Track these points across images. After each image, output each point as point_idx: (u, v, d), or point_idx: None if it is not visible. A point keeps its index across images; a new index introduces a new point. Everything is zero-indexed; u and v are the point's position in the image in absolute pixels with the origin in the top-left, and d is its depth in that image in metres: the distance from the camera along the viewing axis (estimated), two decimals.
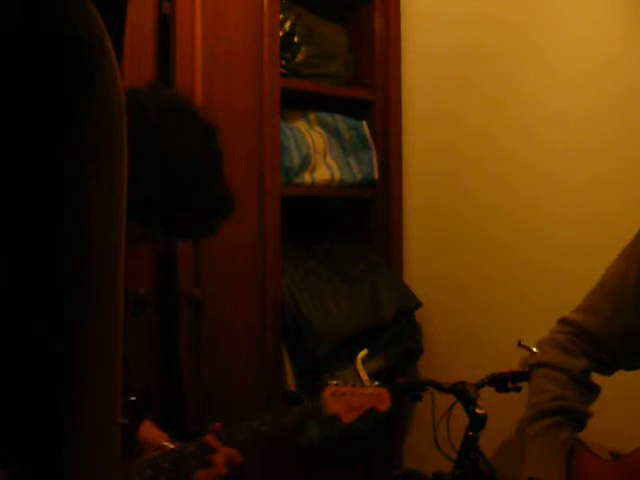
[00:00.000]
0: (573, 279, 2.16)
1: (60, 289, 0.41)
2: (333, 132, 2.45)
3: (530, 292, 2.26)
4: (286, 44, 2.25)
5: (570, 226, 2.17)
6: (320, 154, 2.36)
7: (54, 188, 0.41)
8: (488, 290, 2.36)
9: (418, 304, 2.47)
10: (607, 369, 1.59)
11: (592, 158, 2.13)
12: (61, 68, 0.41)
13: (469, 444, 1.90)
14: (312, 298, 2.18)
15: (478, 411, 1.87)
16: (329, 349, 2.14)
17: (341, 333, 2.18)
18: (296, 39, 2.29)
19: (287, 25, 2.27)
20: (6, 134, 0.39)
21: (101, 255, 0.44)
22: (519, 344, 2.20)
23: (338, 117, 2.46)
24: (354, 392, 1.66)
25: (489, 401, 1.97)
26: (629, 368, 1.60)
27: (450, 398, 1.96)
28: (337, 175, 2.40)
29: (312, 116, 2.42)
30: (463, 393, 1.91)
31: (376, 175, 2.54)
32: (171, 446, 1.51)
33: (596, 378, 1.62)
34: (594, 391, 1.60)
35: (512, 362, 2.21)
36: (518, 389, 2.04)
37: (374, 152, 2.53)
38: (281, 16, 2.21)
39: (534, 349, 2.15)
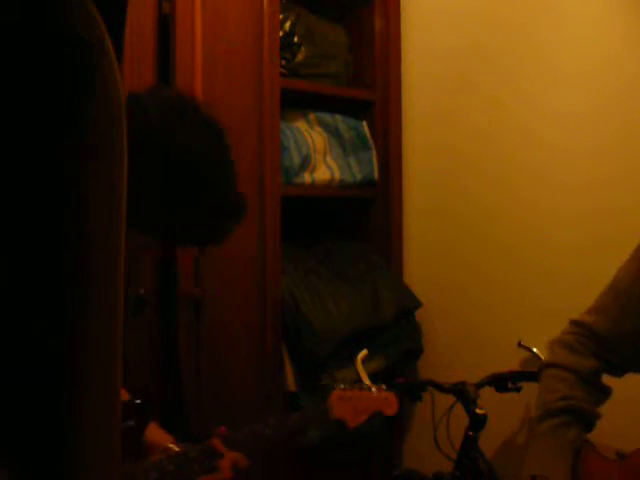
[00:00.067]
0: (573, 279, 2.16)
1: (60, 289, 0.41)
2: (333, 132, 2.45)
3: (530, 292, 2.26)
4: (286, 44, 2.25)
5: (570, 226, 2.17)
6: (320, 154, 2.36)
7: (54, 188, 0.41)
8: (488, 290, 2.37)
9: (418, 304, 2.47)
10: (617, 370, 1.59)
11: (592, 158, 2.13)
12: (61, 68, 0.41)
13: (469, 444, 1.90)
14: (312, 298, 2.18)
15: (478, 411, 1.87)
16: (329, 349, 2.14)
17: (341, 333, 2.18)
18: (296, 39, 2.29)
19: (287, 25, 2.27)
20: (6, 134, 0.39)
21: (101, 255, 0.44)
22: (519, 344, 2.20)
23: (338, 117, 2.46)
24: (361, 396, 1.65)
25: (489, 401, 1.97)
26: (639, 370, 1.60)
27: (450, 398, 1.96)
28: (337, 175, 2.40)
29: (312, 116, 2.42)
30: (463, 393, 1.91)
31: (376, 175, 2.54)
32: (176, 449, 1.51)
33: (605, 379, 1.62)
34: (604, 392, 1.59)
35: (512, 362, 2.21)
36: (518, 389, 2.04)
37: (374, 152, 2.53)
38: (281, 16, 2.21)
39: (534, 349, 2.16)
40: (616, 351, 1.56)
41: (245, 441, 1.53)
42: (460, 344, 2.42)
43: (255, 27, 2.08)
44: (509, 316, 2.30)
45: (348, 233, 2.61)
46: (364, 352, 1.99)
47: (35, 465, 0.41)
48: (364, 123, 2.54)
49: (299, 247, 2.38)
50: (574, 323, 1.63)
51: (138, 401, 1.53)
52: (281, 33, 2.21)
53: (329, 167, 2.39)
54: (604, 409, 1.59)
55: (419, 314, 2.49)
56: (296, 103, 2.36)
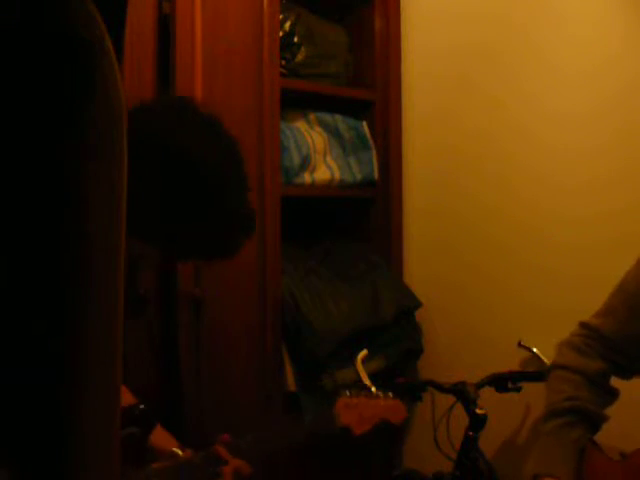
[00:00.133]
0: (573, 279, 2.16)
1: (60, 289, 0.41)
2: (333, 132, 2.45)
3: (530, 292, 2.26)
4: (286, 44, 2.25)
5: (570, 226, 2.17)
6: (320, 154, 2.36)
7: (54, 188, 0.41)
8: (488, 290, 2.37)
9: (418, 304, 2.47)
10: (625, 372, 1.59)
11: (592, 158, 2.13)
12: (61, 68, 0.41)
13: (469, 444, 1.90)
14: (312, 298, 2.18)
15: (478, 411, 1.87)
16: (329, 349, 2.14)
17: (341, 333, 2.18)
18: (296, 39, 2.29)
19: (287, 25, 2.27)
20: (6, 134, 0.39)
21: (101, 255, 0.44)
22: (519, 344, 2.20)
23: (338, 117, 2.46)
24: (367, 404, 1.64)
25: (489, 401, 1.97)
26: None
27: (450, 398, 1.96)
28: (337, 175, 2.40)
29: (312, 116, 2.42)
30: (463, 393, 1.91)
31: (376, 175, 2.54)
32: (180, 453, 1.51)
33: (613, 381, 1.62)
34: (611, 394, 1.59)
35: (512, 362, 2.21)
36: (518, 389, 2.04)
37: (374, 152, 2.53)
38: (281, 16, 2.21)
39: (534, 349, 2.16)
40: (623, 353, 1.57)
41: (249, 448, 1.52)
42: (460, 344, 2.42)
43: (255, 27, 2.08)
44: (509, 316, 2.30)
45: (348, 233, 2.61)
46: (364, 352, 1.99)
47: (35, 465, 0.41)
48: (364, 123, 2.53)
49: (299, 247, 2.38)
50: (582, 325, 1.64)
51: (142, 406, 1.53)
52: (281, 33, 2.21)
53: (329, 167, 2.39)
54: (611, 411, 1.59)
55: (419, 314, 2.49)
56: (296, 103, 2.36)
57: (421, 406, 2.31)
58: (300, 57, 2.30)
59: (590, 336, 1.60)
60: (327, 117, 2.44)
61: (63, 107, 0.41)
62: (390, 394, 1.67)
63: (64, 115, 0.41)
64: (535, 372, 2.08)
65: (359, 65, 2.57)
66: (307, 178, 2.31)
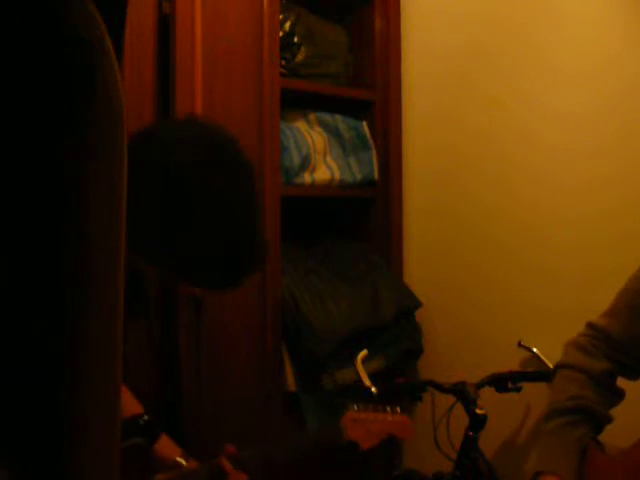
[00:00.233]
0: (573, 279, 2.16)
1: (60, 289, 0.41)
2: (333, 132, 2.45)
3: (530, 292, 2.26)
4: (286, 44, 2.25)
5: (570, 226, 2.17)
6: (320, 154, 2.36)
7: (54, 188, 0.41)
8: (488, 290, 2.37)
9: (418, 304, 2.47)
10: (632, 373, 1.59)
11: (592, 158, 2.13)
12: (61, 68, 0.41)
13: (469, 444, 1.90)
14: (312, 298, 2.18)
15: (478, 411, 1.87)
16: (329, 349, 2.14)
17: (341, 333, 2.18)
18: (296, 39, 2.29)
19: (287, 25, 2.27)
20: (6, 134, 0.39)
21: (101, 255, 0.44)
22: (519, 344, 2.20)
23: (338, 117, 2.46)
24: (375, 419, 1.63)
25: (489, 401, 1.97)
26: None
27: (450, 398, 1.96)
28: (337, 175, 2.40)
29: (312, 116, 2.41)
30: (463, 393, 1.91)
31: (376, 175, 2.54)
32: (184, 462, 1.51)
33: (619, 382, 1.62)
34: (617, 394, 1.59)
35: (512, 362, 2.21)
36: (518, 389, 2.04)
37: (374, 152, 2.53)
38: (281, 16, 2.21)
39: (534, 349, 2.16)
40: (629, 354, 1.57)
41: (254, 462, 1.52)
42: (460, 344, 2.42)
43: (255, 27, 2.08)
44: (509, 316, 2.30)
45: (348, 233, 2.61)
46: (364, 352, 1.99)
47: (35, 465, 0.41)
48: (364, 123, 2.53)
49: (299, 247, 2.38)
50: (589, 325, 1.64)
51: (147, 417, 1.53)
52: (281, 33, 2.21)
53: (329, 167, 2.39)
54: (617, 411, 1.59)
55: (419, 314, 2.49)
56: (296, 103, 2.36)
57: (421, 406, 2.31)
58: (300, 57, 2.30)
59: (596, 336, 1.60)
60: (327, 117, 2.44)
61: (63, 107, 0.41)
62: (398, 409, 1.66)
63: (64, 115, 0.41)
64: (535, 372, 2.08)
65: (359, 65, 2.57)
66: (307, 178, 2.31)
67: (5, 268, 0.40)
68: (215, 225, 1.22)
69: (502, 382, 2.03)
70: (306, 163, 2.29)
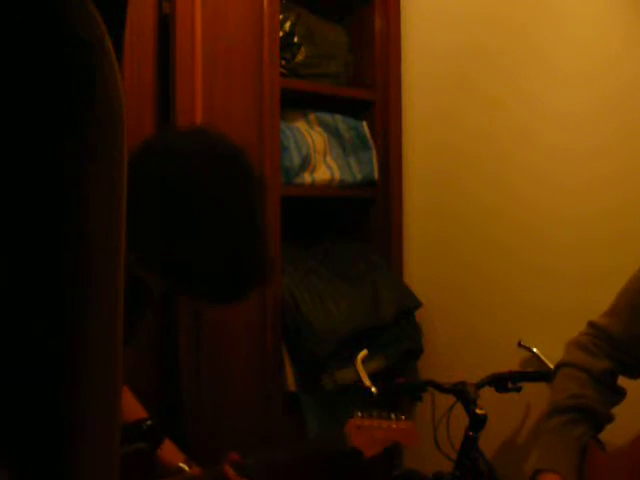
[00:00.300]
0: (573, 279, 2.16)
1: (60, 289, 0.41)
2: (333, 132, 2.45)
3: (530, 292, 2.26)
4: (286, 44, 2.25)
5: (570, 226, 2.17)
6: (320, 154, 2.36)
7: (54, 188, 0.41)
8: (488, 290, 2.37)
9: (418, 304, 2.47)
10: (633, 372, 1.60)
11: (592, 158, 2.13)
12: (61, 68, 0.41)
13: (469, 444, 1.90)
14: (312, 298, 2.18)
15: (478, 411, 1.87)
16: (329, 349, 2.14)
17: (341, 333, 2.18)
18: (296, 39, 2.29)
19: (287, 25, 2.27)
20: (6, 134, 0.39)
21: (101, 255, 0.44)
22: (519, 344, 2.20)
23: (338, 117, 2.46)
24: (379, 426, 1.62)
25: (489, 401, 1.97)
26: None
27: (450, 398, 1.96)
28: (337, 175, 2.40)
29: (312, 116, 2.41)
30: (463, 393, 1.91)
31: (376, 175, 2.54)
32: (187, 468, 1.51)
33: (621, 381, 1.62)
34: (618, 393, 1.60)
35: (512, 362, 2.21)
36: (518, 389, 2.04)
37: (374, 152, 2.53)
38: (281, 16, 2.21)
39: (534, 349, 2.16)
40: (630, 352, 1.57)
41: (257, 469, 1.51)
42: (460, 344, 2.42)
43: (255, 27, 2.08)
44: (509, 316, 2.30)
45: (348, 233, 2.61)
46: (364, 352, 1.99)
47: (35, 465, 0.41)
48: (364, 123, 2.53)
49: (299, 247, 2.38)
50: (590, 325, 1.64)
51: (150, 422, 1.53)
52: (281, 33, 2.21)
53: (329, 167, 2.39)
54: (618, 410, 1.59)
55: (419, 314, 2.49)
56: (296, 103, 2.36)
57: (421, 406, 2.31)
58: (300, 57, 2.30)
59: (597, 335, 1.61)
60: (327, 117, 2.44)
61: (63, 107, 0.41)
62: (403, 417, 1.65)
63: (64, 115, 0.41)
64: (535, 372, 2.08)
65: (359, 65, 2.57)
66: (307, 178, 2.31)
67: (5, 268, 0.40)
68: (220, 238, 1.22)
69: (502, 382, 2.03)
70: (306, 163, 2.29)
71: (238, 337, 2.07)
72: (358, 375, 1.93)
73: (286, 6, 2.28)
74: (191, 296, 1.36)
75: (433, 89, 2.50)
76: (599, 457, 1.54)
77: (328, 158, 2.40)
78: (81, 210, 0.42)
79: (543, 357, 2.10)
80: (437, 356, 2.47)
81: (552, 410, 1.57)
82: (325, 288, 2.25)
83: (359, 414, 1.64)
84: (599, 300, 1.67)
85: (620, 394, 1.60)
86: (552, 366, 1.97)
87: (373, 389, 1.89)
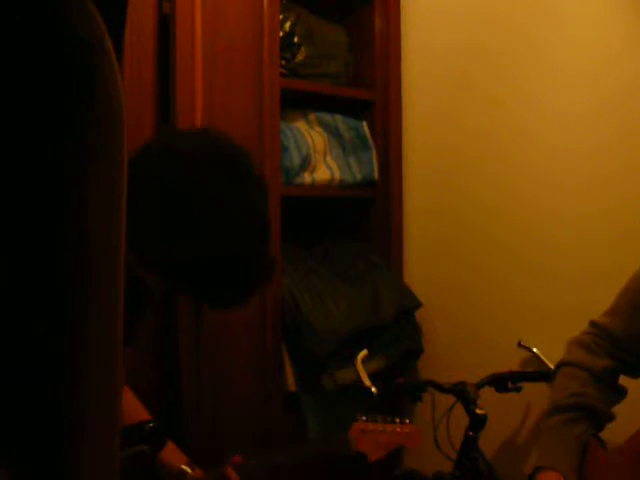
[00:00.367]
0: (573, 279, 2.16)
1: (60, 289, 0.41)
2: (333, 132, 2.45)
3: (530, 292, 2.26)
4: (286, 44, 2.25)
5: (570, 226, 2.17)
6: (320, 154, 2.36)
7: (54, 188, 0.41)
8: (488, 290, 2.37)
9: (418, 304, 2.47)
10: (634, 371, 1.60)
11: (592, 158, 2.13)
12: (61, 68, 0.41)
13: (469, 444, 1.90)
14: (312, 298, 2.18)
15: (478, 411, 1.87)
16: (329, 349, 2.14)
17: (341, 333, 2.18)
18: (296, 39, 2.29)
19: (287, 25, 2.27)
20: (6, 134, 0.39)
21: (101, 255, 0.44)
22: (519, 344, 2.20)
23: (338, 117, 2.46)
24: (383, 430, 1.62)
25: (489, 401, 1.97)
26: None
27: (450, 398, 1.96)
28: (337, 175, 2.40)
29: (312, 116, 2.41)
30: (463, 393, 1.91)
31: (376, 175, 2.54)
32: (189, 471, 1.51)
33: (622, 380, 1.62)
34: (618, 392, 1.60)
35: (512, 362, 2.21)
36: (518, 389, 2.04)
37: (374, 152, 2.53)
38: (281, 16, 2.21)
39: (534, 349, 2.16)
40: (631, 351, 1.57)
41: (260, 472, 1.51)
42: (460, 344, 2.42)
43: (255, 27, 2.08)
44: (509, 316, 2.30)
45: (348, 233, 2.61)
46: (364, 352, 1.99)
47: (35, 465, 0.41)
48: (364, 123, 2.53)
49: (299, 247, 2.38)
50: (591, 324, 1.65)
51: (152, 424, 1.53)
52: (281, 33, 2.21)
53: (329, 167, 2.39)
54: (619, 409, 1.59)
55: (419, 314, 2.49)
56: (296, 103, 2.36)
57: (421, 406, 2.31)
58: (300, 57, 2.30)
59: (599, 334, 1.61)
60: (327, 117, 2.44)
61: (63, 107, 0.41)
62: (407, 420, 1.65)
63: (64, 115, 0.41)
64: (535, 372, 2.08)
65: (359, 65, 2.57)
66: (307, 178, 2.31)
67: (5, 268, 0.40)
68: (220, 238, 1.22)
69: (502, 382, 2.03)
70: (306, 163, 2.29)
71: (238, 337, 2.07)
72: (358, 375, 1.93)
73: (286, 6, 2.28)
74: (191, 296, 1.36)
75: (433, 89, 2.50)
76: (600, 455, 1.54)
77: (328, 158, 2.40)
78: (81, 210, 0.42)
79: (543, 357, 2.10)
80: (437, 356, 2.47)
81: (552, 409, 1.57)
82: (325, 288, 2.25)
83: (363, 418, 1.63)
84: (599, 300, 1.67)
85: (621, 393, 1.60)
86: (552, 366, 1.97)
87: (373, 389, 1.89)
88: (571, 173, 2.17)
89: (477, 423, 1.88)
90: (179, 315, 1.94)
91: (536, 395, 2.08)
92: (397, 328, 2.40)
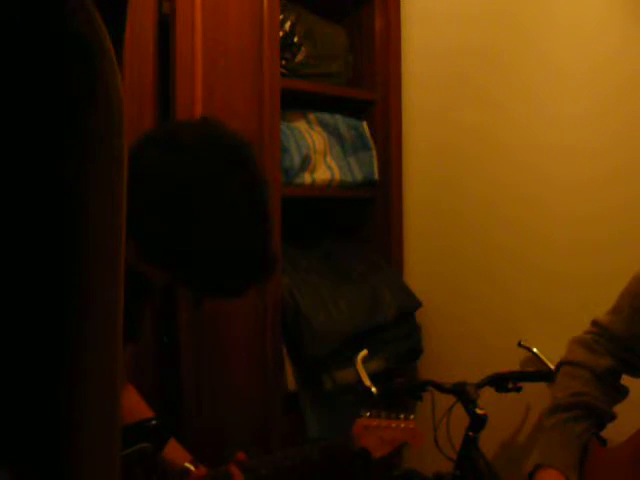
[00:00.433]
0: (573, 279, 2.16)
1: (60, 289, 0.41)
2: (333, 132, 2.45)
3: (530, 292, 2.26)
4: (286, 44, 2.25)
5: (570, 226, 2.17)
6: (320, 154, 2.36)
7: (54, 188, 0.41)
8: (488, 290, 2.36)
9: (418, 304, 2.47)
10: (635, 370, 1.60)
11: (592, 157, 2.13)
12: (61, 68, 0.41)
13: (469, 444, 1.90)
14: (312, 298, 2.18)
15: (478, 411, 1.87)
16: (329, 349, 2.14)
17: (341, 333, 2.18)
18: (296, 39, 2.29)
19: (287, 25, 2.27)
20: (5, 135, 0.39)
21: (101, 254, 0.44)
22: (519, 344, 2.20)
23: (338, 117, 2.46)
24: (388, 425, 1.61)
25: (489, 401, 1.97)
26: None
27: (450, 398, 1.96)
28: (337, 175, 2.40)
29: (312, 116, 2.41)
30: (463, 393, 1.91)
31: (376, 175, 2.54)
32: (193, 468, 1.50)
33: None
34: (619, 392, 1.60)
35: (512, 362, 2.21)
36: (518, 389, 2.04)
37: (374, 152, 2.53)
38: (281, 16, 2.21)
39: (534, 349, 2.16)
40: (633, 351, 1.57)
41: (263, 470, 1.51)
42: (460, 344, 2.42)
43: (255, 27, 2.08)
44: (509, 316, 2.30)
45: (348, 233, 2.61)
46: (364, 352, 1.99)
47: (35, 465, 0.41)
48: (364, 123, 2.53)
49: (299, 247, 2.38)
50: (593, 323, 1.65)
51: (155, 422, 1.52)
52: (281, 33, 2.21)
53: (329, 167, 2.39)
54: (621, 408, 1.59)
55: (419, 314, 2.49)
56: (296, 103, 2.36)
57: (421, 406, 2.31)
58: (300, 57, 2.30)
59: (600, 334, 1.61)
60: (327, 117, 2.44)
61: (63, 107, 0.41)
62: (412, 416, 1.64)
63: (64, 115, 0.41)
64: (535, 372, 2.08)
65: (359, 65, 2.57)
66: (307, 178, 2.31)
67: (5, 268, 0.40)
68: (221, 228, 1.21)
69: (502, 382, 2.03)
70: (306, 163, 2.29)
71: (238, 337, 2.07)
72: (358, 375, 1.93)
73: (286, 6, 2.28)
74: (192, 288, 1.35)
75: (433, 89, 2.50)
76: (600, 454, 1.54)
77: (328, 158, 2.40)
78: (81, 209, 0.42)
79: (543, 357, 2.10)
80: (437, 356, 2.47)
81: (553, 407, 1.57)
82: (325, 288, 2.25)
83: (367, 414, 1.62)
84: (599, 300, 1.67)
85: (622, 392, 1.60)
86: (552, 366, 1.97)
87: (373, 389, 1.89)
88: (572, 172, 2.17)
89: (477, 423, 1.88)
90: (179, 315, 1.94)
91: (536, 395, 2.08)
92: (397, 328, 2.40)
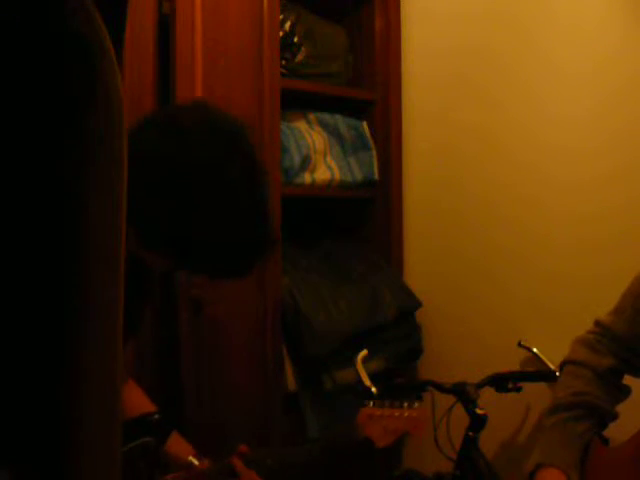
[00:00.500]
0: (573, 279, 2.16)
1: (60, 289, 0.41)
2: (333, 132, 2.45)
3: (530, 292, 2.26)
4: (286, 44, 2.25)
5: (571, 226, 2.17)
6: (320, 154, 2.36)
7: (54, 188, 0.41)
8: (488, 290, 2.36)
9: (418, 304, 2.47)
10: (638, 370, 1.60)
11: (593, 157, 2.13)
12: (61, 68, 0.41)
13: (469, 444, 1.90)
14: (312, 298, 2.18)
15: (478, 411, 1.87)
16: (329, 349, 2.14)
17: (341, 333, 2.18)
18: (296, 39, 2.29)
19: (287, 25, 2.27)
20: (4, 135, 0.39)
21: (101, 255, 0.44)
22: (519, 344, 2.20)
23: (338, 117, 2.46)
24: (391, 415, 1.60)
25: (489, 401, 1.97)
26: None
27: (450, 398, 1.96)
28: (337, 175, 2.40)
29: (312, 116, 2.42)
30: (463, 393, 1.91)
31: (376, 175, 2.54)
32: (196, 462, 1.50)
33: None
34: (622, 391, 1.60)
35: (512, 362, 2.21)
36: (518, 389, 2.04)
37: (374, 152, 2.53)
38: (281, 16, 2.21)
39: (534, 349, 2.16)
40: (634, 351, 1.57)
41: (267, 463, 1.50)
42: (460, 344, 2.42)
43: (255, 27, 2.08)
44: (509, 316, 2.30)
45: (348, 233, 2.61)
46: (364, 352, 1.98)
47: (35, 465, 0.41)
48: (364, 123, 2.53)
49: (299, 247, 2.38)
50: (596, 323, 1.65)
51: (157, 416, 1.52)
52: (281, 33, 2.21)
53: (329, 167, 2.39)
54: (622, 408, 1.59)
55: (419, 314, 2.49)
56: (296, 103, 2.36)
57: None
58: (300, 57, 2.30)
59: (602, 334, 1.61)
60: (327, 117, 2.44)
61: (63, 107, 0.41)
62: (416, 403, 1.63)
63: (64, 115, 0.41)
64: (535, 372, 2.08)
65: (359, 65, 2.57)
66: (307, 178, 2.31)
67: (5, 269, 0.40)
68: (220, 209, 1.21)
69: (502, 382, 2.03)
70: (306, 163, 2.29)
71: (238, 337, 2.07)
72: (358, 375, 1.93)
73: (286, 6, 2.28)
74: (192, 269, 1.35)
75: (433, 89, 2.50)
76: (602, 453, 1.54)
77: (328, 158, 2.40)
78: (80, 209, 0.42)
79: (543, 357, 2.10)
80: (437, 356, 2.47)
81: (555, 406, 1.57)
82: (325, 288, 2.25)
83: (371, 403, 1.62)
84: (600, 300, 1.67)
85: (625, 392, 1.60)
86: (552, 366, 1.97)
87: (373, 389, 1.89)
88: (572, 172, 2.17)
89: (477, 423, 1.88)
90: (179, 314, 1.94)
91: (536, 395, 2.08)
92: (397, 328, 2.40)
